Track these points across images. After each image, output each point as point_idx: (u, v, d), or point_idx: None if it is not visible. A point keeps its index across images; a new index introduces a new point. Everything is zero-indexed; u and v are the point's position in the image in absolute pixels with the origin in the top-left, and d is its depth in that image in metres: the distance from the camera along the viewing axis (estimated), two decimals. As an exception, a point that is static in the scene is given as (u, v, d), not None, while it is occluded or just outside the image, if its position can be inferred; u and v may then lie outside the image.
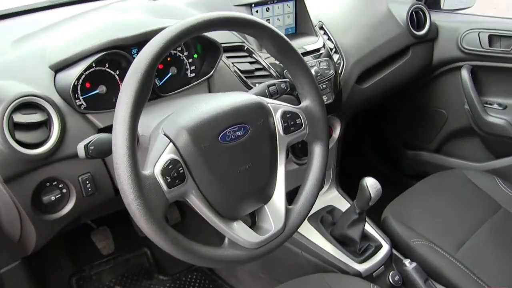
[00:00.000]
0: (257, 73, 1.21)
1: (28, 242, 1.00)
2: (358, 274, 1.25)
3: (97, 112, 0.98)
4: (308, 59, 1.29)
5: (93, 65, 0.97)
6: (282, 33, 0.89)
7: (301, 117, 0.92)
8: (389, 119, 2.15)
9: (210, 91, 1.13)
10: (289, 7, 1.33)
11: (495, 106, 1.71)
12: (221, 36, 1.11)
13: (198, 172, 0.78)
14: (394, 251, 1.33)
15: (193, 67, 1.13)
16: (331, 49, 1.39)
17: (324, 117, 0.96)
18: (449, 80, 1.82)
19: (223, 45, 1.11)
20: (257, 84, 1.07)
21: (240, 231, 0.82)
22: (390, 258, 1.32)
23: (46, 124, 0.92)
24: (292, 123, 0.91)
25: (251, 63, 1.21)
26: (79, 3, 1.41)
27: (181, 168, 0.75)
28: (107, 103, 1.00)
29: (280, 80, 1.05)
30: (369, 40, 1.55)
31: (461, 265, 1.22)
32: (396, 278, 1.26)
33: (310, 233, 1.34)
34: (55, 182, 0.95)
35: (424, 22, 1.72)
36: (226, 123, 0.81)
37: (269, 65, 1.22)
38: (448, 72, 1.81)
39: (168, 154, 0.75)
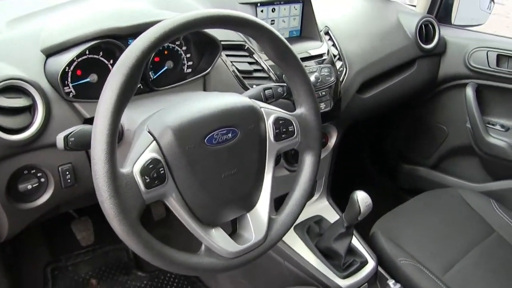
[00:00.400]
0: (255, 74, 1.17)
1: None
2: (339, 290, 1.21)
3: (85, 101, 0.95)
4: (310, 64, 1.26)
5: (87, 52, 0.94)
6: (282, 36, 0.85)
7: (294, 124, 0.89)
8: (388, 131, 2.12)
9: (205, 89, 1.10)
10: (295, 9, 1.30)
11: (498, 127, 1.68)
12: (222, 34, 1.07)
13: (179, 174, 0.74)
14: (380, 269, 1.30)
15: (190, 63, 1.10)
16: (335, 56, 1.36)
17: (318, 127, 0.92)
18: (453, 97, 1.79)
19: (223, 42, 1.08)
20: (254, 86, 1.04)
21: (218, 239, 0.79)
22: (375, 276, 1.29)
23: (30, 109, 0.88)
24: (284, 130, 0.88)
25: (250, 63, 1.18)
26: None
27: (162, 168, 0.72)
28: (97, 92, 0.93)
29: (277, 84, 1.02)
30: (375, 49, 1.52)
31: None
32: (379, 296, 1.23)
33: (295, 242, 1.30)
34: (34, 171, 0.91)
35: (433, 36, 1.69)
36: (214, 125, 0.78)
37: (269, 68, 1.18)
38: (452, 88, 1.78)
39: (150, 153, 0.72)
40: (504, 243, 1.35)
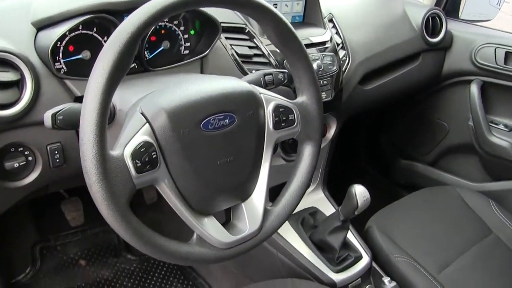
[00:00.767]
0: (255, 59, 1.13)
1: None
2: (332, 284, 1.19)
3: (76, 79, 0.91)
4: (312, 52, 1.22)
5: (80, 27, 0.90)
6: (286, 20, 0.81)
7: (294, 113, 0.86)
8: (387, 125, 2.09)
9: (202, 72, 1.06)
10: (300, -6, 1.26)
11: (501, 126, 1.64)
12: (222, 15, 1.03)
13: (172, 159, 0.71)
14: (374, 264, 1.28)
15: (187, 44, 1.06)
16: (338, 44, 1.32)
17: (320, 117, 0.89)
18: (456, 93, 1.75)
19: (223, 24, 1.04)
20: (253, 71, 1.00)
21: (210, 228, 0.76)
22: (369, 271, 1.26)
23: (18, 84, 0.84)
24: (284, 118, 0.84)
25: (250, 47, 1.14)
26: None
27: (154, 152, 0.68)
28: (89, 70, 0.88)
29: (278, 70, 0.98)
30: (379, 40, 1.48)
31: None
32: (372, 292, 1.21)
33: (288, 234, 1.27)
34: (21, 148, 0.88)
35: (439, 29, 1.64)
36: (211, 110, 0.74)
37: (270, 53, 1.15)
38: (456, 84, 1.74)
39: (142, 136, 0.68)
40: (502, 245, 1.33)
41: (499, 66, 1.56)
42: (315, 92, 0.88)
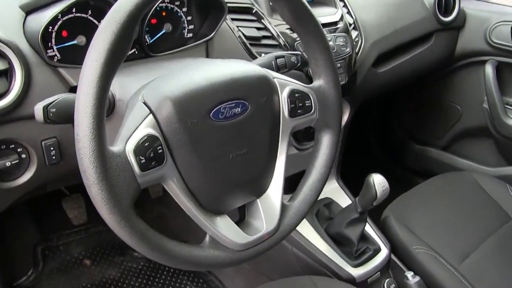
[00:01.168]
0: (264, 42, 1.06)
1: None
2: (351, 280, 1.13)
3: (71, 67, 0.83)
4: (323, 33, 1.14)
5: (73, 10, 0.82)
6: None
7: (311, 98, 0.78)
8: (397, 110, 2.02)
9: (208, 56, 0.99)
10: (308, -29, 1.17)
11: None
12: (227, -6, 0.96)
13: (180, 154, 0.64)
14: (393, 257, 1.21)
15: (191, 27, 0.98)
16: (350, 25, 1.25)
17: (339, 102, 0.81)
18: (470, 75, 1.68)
19: (228, 5, 0.96)
20: (262, 54, 0.93)
21: (224, 229, 0.69)
22: (388, 264, 1.20)
23: (6, 75, 0.77)
24: (300, 104, 0.76)
25: (258, 29, 1.07)
26: None
27: (160, 147, 0.61)
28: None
29: (290, 52, 0.90)
30: (391, 20, 1.41)
31: (464, 280, 1.12)
32: (392, 286, 1.14)
33: (303, 227, 1.21)
34: (13, 145, 0.80)
35: (452, 8, 1.57)
36: (222, 97, 0.66)
37: (279, 34, 1.07)
38: (470, 65, 1.67)
39: (145, 128, 0.61)
40: None
41: None
42: (333, 75, 0.80)
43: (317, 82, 0.80)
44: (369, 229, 1.25)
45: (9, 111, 0.76)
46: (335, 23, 1.19)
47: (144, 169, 0.59)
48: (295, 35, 1.09)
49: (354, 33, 1.26)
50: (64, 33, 0.83)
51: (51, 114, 0.63)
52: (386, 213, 1.30)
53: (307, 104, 0.77)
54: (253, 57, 1.02)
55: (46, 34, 0.80)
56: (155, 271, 1.46)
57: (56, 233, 1.47)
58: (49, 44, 0.81)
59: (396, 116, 2.03)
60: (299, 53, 0.92)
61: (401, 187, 1.41)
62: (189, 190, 0.66)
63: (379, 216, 1.31)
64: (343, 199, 1.35)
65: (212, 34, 0.97)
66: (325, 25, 1.17)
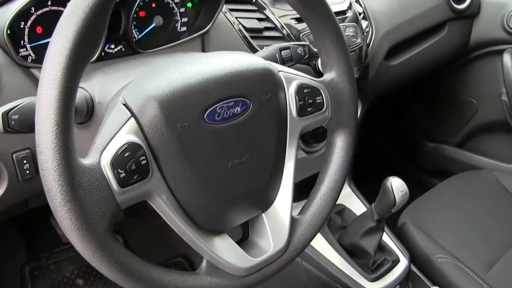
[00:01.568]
0: (266, 34, 0.96)
1: None
2: (369, 295, 1.02)
3: None
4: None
5: (49, 3, 0.72)
6: None
7: (322, 94, 0.68)
8: (409, 105, 1.91)
9: (204, 51, 0.89)
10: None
11: None
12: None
13: (169, 164, 0.53)
14: (413, 267, 1.11)
15: (185, 19, 0.88)
16: (359, 14, 1.14)
17: (354, 97, 0.71)
18: (486, 65, 1.58)
19: (225, -7, 0.86)
20: (265, 48, 0.82)
21: (224, 251, 0.59)
22: (408, 276, 1.10)
23: None
24: (310, 101, 0.66)
25: (260, 20, 0.97)
26: None
27: (143, 157, 0.51)
28: None
29: (296, 43, 0.80)
30: (403, 9, 1.31)
31: None
32: (413, 300, 1.04)
33: (314, 238, 1.10)
34: None
35: (466, -6, 1.47)
36: (218, 95, 0.56)
37: (283, 25, 0.97)
38: (486, 55, 1.56)
39: (125, 135, 0.51)
40: None
41: None
42: (346, 66, 0.70)
43: (329, 75, 0.70)
44: (386, 237, 1.14)
45: None
46: (344, 12, 1.10)
47: (124, 184, 0.49)
48: (300, 26, 1.00)
49: (364, 23, 1.16)
50: (39, 29, 0.73)
51: (12, 122, 0.54)
52: (403, 219, 1.21)
53: (317, 101, 0.67)
54: (254, 50, 0.93)
55: (17, 30, 0.70)
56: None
57: (46, 251, 1.35)
58: (21, 42, 0.71)
59: (407, 112, 1.93)
60: (307, 43, 0.82)
61: (416, 189, 1.31)
62: (180, 207, 0.56)
63: (395, 223, 1.22)
64: (357, 205, 1.24)
65: (208, 27, 0.87)
66: (332, 14, 1.07)
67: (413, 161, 1.93)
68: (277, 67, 0.65)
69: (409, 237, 1.16)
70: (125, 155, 0.49)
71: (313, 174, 1.14)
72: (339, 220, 1.17)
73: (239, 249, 0.60)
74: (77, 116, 0.62)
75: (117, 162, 0.49)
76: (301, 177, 1.05)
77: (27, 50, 0.72)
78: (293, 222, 0.66)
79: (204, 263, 0.58)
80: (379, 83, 1.24)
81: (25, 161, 0.70)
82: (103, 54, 0.78)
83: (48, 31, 0.74)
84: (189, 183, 0.55)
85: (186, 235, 0.56)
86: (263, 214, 0.65)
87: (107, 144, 0.49)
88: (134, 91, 0.54)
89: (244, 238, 0.66)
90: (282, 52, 0.77)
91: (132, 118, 0.52)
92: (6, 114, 0.53)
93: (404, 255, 1.11)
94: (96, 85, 0.63)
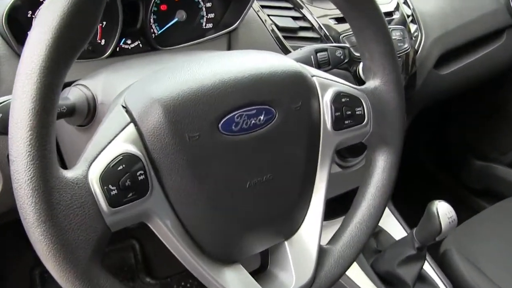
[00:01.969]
0: (301, 34, 0.88)
1: None
2: (404, 334, 0.91)
3: None
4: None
5: None
6: None
7: (364, 105, 0.58)
8: (455, 117, 1.78)
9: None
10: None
11: None
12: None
13: (173, 182, 0.45)
14: None
15: (211, 15, 0.81)
16: (408, 16, 1.06)
17: (401, 110, 0.61)
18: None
19: (257, -12, 0.79)
20: (299, 49, 0.73)
21: (235, 285, 0.49)
22: (451, 311, 0.98)
23: None
24: (348, 113, 0.56)
25: (295, 18, 0.88)
26: None
27: (141, 171, 0.42)
28: None
29: (335, 44, 0.70)
30: (456, 12, 1.22)
31: None
32: None
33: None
34: None
35: (528, -1, 1.35)
36: (236, 101, 0.47)
37: (321, 26, 0.88)
38: (548, 68, 1.43)
39: (121, 144, 0.43)
40: None
41: None
42: (394, 74, 0.59)
43: (372, 83, 0.60)
44: (426, 265, 1.03)
45: None
46: (390, 13, 1.01)
47: (115, 203, 0.41)
48: (341, 28, 0.91)
49: (412, 27, 1.07)
50: None
51: None
52: (447, 245, 1.09)
53: (357, 112, 0.57)
54: (286, 52, 0.84)
55: (21, 19, 0.63)
56: (167, 301, 1.28)
57: None
58: (26, 30, 0.65)
59: (453, 125, 1.80)
60: (347, 46, 0.72)
61: (462, 211, 1.19)
62: (185, 232, 0.47)
63: (437, 248, 1.10)
64: (395, 228, 1.13)
65: (236, 24, 0.80)
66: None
67: (458, 180, 1.79)
68: (311, 71, 0.56)
69: (453, 267, 1.04)
70: (119, 168, 0.41)
71: (347, 190, 1.05)
72: (374, 243, 1.07)
73: (254, 283, 0.51)
74: (77, 117, 0.55)
75: (108, 176, 0.41)
76: (333, 193, 0.95)
77: None
78: (321, 253, 0.56)
79: None
80: (427, 94, 1.14)
81: None
82: (118, 49, 0.71)
83: None
84: (196, 204, 0.46)
85: (190, 264, 0.47)
86: (286, 243, 0.55)
87: (98, 154, 0.41)
88: (137, 93, 0.46)
89: (261, 269, 0.57)
90: (318, 54, 0.68)
91: (132, 124, 0.44)
92: None
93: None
94: (99, 84, 0.55)
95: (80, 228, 0.39)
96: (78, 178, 0.40)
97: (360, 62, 0.85)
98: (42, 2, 0.65)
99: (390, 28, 0.94)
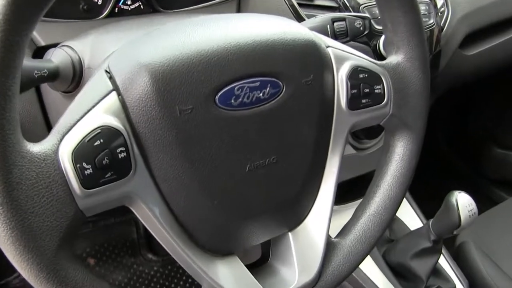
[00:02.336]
0: (318, 2, 0.80)
1: None
2: (416, 331, 0.86)
3: (44, 20, 0.60)
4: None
5: None
6: None
7: (384, 83, 0.51)
8: (477, 103, 1.71)
9: None
10: None
11: None
12: None
13: (161, 161, 0.39)
14: None
15: (219, -23, 0.74)
16: (434, -10, 0.97)
17: (426, 90, 0.54)
18: None
19: None
20: (314, 17, 0.66)
21: (229, 279, 0.44)
22: (465, 308, 0.93)
23: None
24: (366, 90, 0.50)
25: (311, -16, 0.82)
26: None
27: (122, 148, 0.37)
28: (70, 9, 0.62)
29: (354, 14, 0.63)
30: None
31: None
32: None
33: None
34: None
35: None
36: (237, 71, 0.41)
37: (341, -6, 0.81)
38: None
39: (101, 116, 0.37)
40: None
41: None
42: (419, 49, 0.52)
43: (395, 58, 0.53)
44: (441, 258, 0.97)
45: None
46: None
47: (89, 185, 0.35)
48: (362, -2, 0.83)
49: (439, 1, 1.00)
50: None
51: None
52: (464, 237, 1.04)
53: (376, 91, 0.50)
54: (301, 20, 0.77)
55: None
56: (169, 279, 1.23)
57: None
58: None
59: (475, 112, 1.72)
60: (368, 16, 0.65)
61: (480, 202, 1.13)
62: (174, 218, 0.41)
63: (453, 241, 1.05)
64: (410, 217, 1.06)
65: (246, -13, 0.73)
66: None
67: (478, 169, 1.73)
68: (326, 41, 0.49)
69: (469, 261, 1.00)
70: (95, 143, 0.35)
71: (361, 174, 0.99)
72: (387, 231, 1.00)
73: (250, 278, 0.46)
74: (61, 82, 0.49)
75: (82, 152, 0.35)
76: (345, 177, 0.89)
77: None
78: (329, 247, 0.51)
79: None
80: (450, 76, 1.07)
81: None
82: (116, 10, 0.65)
83: None
84: (187, 188, 0.40)
85: (179, 255, 0.42)
86: (290, 234, 0.50)
87: (72, 126, 0.36)
88: (123, 56, 0.40)
89: (261, 261, 0.51)
90: (335, 24, 0.61)
91: (114, 93, 0.38)
92: None
93: (462, 283, 0.95)
94: (88, 45, 0.49)
95: (46, 212, 0.34)
96: (46, 153, 0.34)
97: (381, 36, 0.78)
98: None
99: (415, 1, 0.87)
